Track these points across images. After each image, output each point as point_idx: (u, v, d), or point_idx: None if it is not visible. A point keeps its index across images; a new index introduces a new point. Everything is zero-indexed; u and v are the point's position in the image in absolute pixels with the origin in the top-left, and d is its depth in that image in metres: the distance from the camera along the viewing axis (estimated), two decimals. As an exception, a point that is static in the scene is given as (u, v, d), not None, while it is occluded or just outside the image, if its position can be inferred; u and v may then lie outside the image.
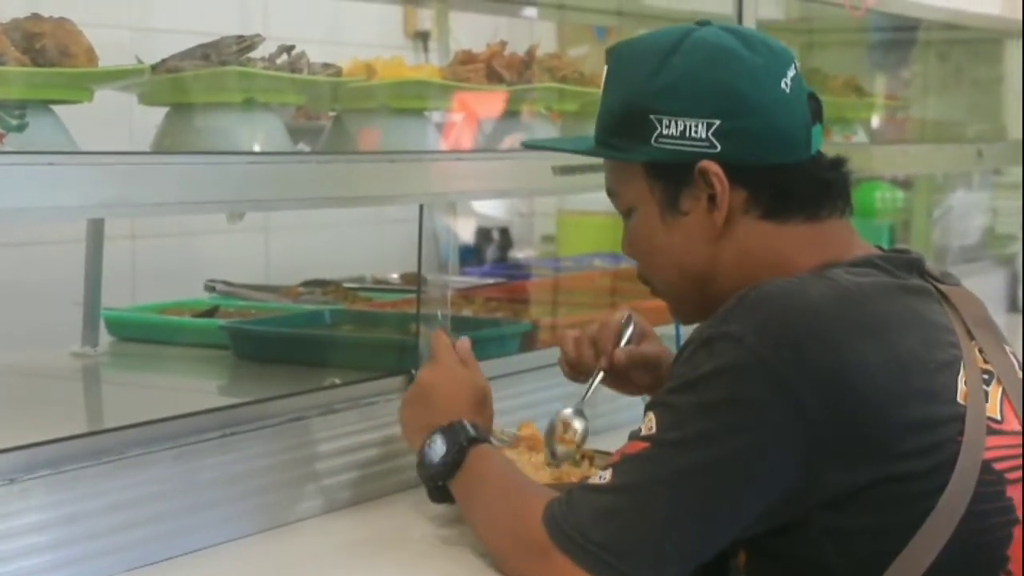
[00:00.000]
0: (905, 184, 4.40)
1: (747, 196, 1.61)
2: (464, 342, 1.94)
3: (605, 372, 1.95)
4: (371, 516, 1.96)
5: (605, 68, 1.70)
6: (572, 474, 1.94)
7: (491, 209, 4.36)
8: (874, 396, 1.46)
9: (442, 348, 1.92)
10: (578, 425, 1.95)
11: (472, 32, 3.24)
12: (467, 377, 1.89)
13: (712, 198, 1.61)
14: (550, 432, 1.96)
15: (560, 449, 1.95)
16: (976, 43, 4.39)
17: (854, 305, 1.52)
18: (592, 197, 3.33)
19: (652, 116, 1.60)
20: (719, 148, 1.59)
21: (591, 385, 1.96)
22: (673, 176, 1.62)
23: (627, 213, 1.71)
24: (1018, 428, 1.55)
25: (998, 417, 1.53)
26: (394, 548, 1.83)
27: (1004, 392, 1.56)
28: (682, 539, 1.49)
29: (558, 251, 4.32)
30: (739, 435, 1.46)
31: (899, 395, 1.48)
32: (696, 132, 1.59)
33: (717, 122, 1.58)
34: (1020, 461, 1.53)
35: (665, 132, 1.60)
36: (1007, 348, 1.63)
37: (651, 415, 1.53)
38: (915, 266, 1.63)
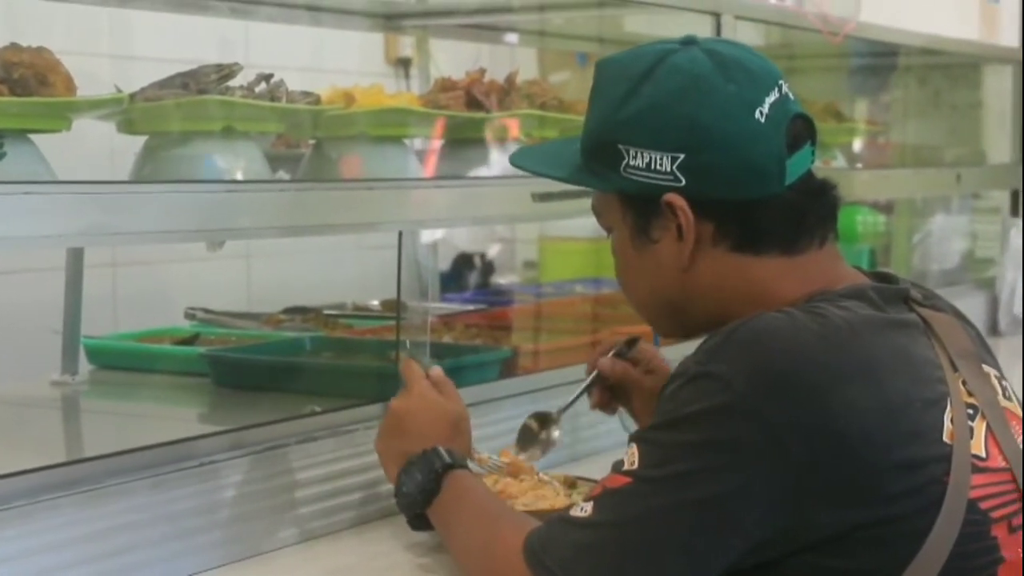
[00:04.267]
0: (886, 208, 4.42)
1: (715, 229, 1.59)
2: (437, 369, 1.96)
3: (592, 383, 2.01)
4: (350, 544, 1.96)
5: (592, 81, 1.67)
6: (556, 501, 1.95)
7: (472, 237, 4.37)
8: (862, 441, 1.44)
9: (412, 376, 1.92)
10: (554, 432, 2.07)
11: (454, 59, 3.25)
12: (439, 402, 1.89)
13: (681, 228, 1.59)
14: (522, 434, 2.08)
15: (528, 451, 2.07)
16: (955, 68, 4.41)
17: (844, 348, 1.48)
18: (574, 223, 3.36)
19: (620, 146, 1.59)
20: (684, 182, 1.56)
21: (576, 395, 2.04)
22: (642, 206, 1.61)
23: (609, 231, 1.71)
24: (1003, 465, 1.53)
25: (983, 454, 1.51)
26: (374, 576, 1.83)
27: (988, 427, 1.54)
28: None
29: (540, 277, 4.32)
30: (722, 478, 1.44)
31: (886, 438, 1.45)
32: (661, 165, 1.56)
33: (682, 156, 1.55)
34: (1005, 499, 1.51)
35: (632, 163, 1.58)
36: (992, 374, 1.62)
37: (634, 449, 1.51)
38: (902, 296, 1.61)
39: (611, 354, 2.04)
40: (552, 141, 2.39)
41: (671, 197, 1.57)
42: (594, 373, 2.02)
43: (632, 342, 2.04)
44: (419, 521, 1.80)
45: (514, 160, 1.77)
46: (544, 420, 2.07)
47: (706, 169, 1.56)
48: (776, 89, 1.59)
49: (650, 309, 1.71)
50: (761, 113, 1.56)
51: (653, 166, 1.57)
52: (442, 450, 1.78)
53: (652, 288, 1.66)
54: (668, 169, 1.56)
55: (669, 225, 1.60)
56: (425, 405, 1.88)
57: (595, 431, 2.09)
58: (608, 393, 2.04)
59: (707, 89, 1.56)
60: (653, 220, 1.61)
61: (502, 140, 2.49)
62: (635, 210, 1.63)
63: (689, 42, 1.63)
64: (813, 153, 1.63)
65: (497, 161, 2.45)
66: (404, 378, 1.94)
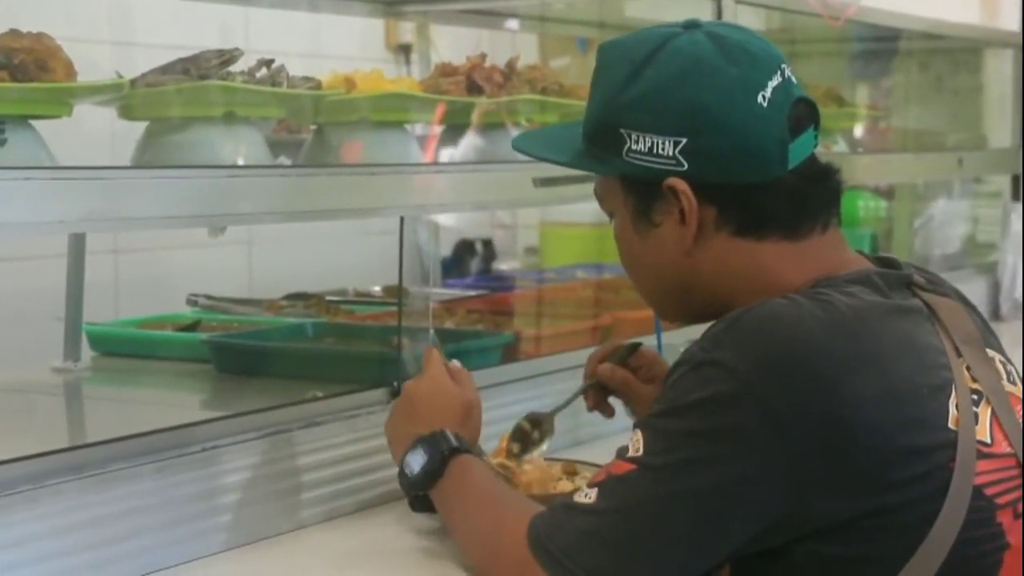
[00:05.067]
0: (887, 193, 4.42)
1: (717, 213, 1.58)
2: (456, 363, 1.96)
3: (589, 386, 2.00)
4: (353, 529, 1.96)
5: (595, 65, 1.67)
6: (560, 485, 1.96)
7: (473, 222, 4.38)
8: (867, 430, 1.44)
9: (432, 362, 1.92)
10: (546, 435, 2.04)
11: (454, 44, 3.25)
12: (453, 389, 1.88)
13: (683, 212, 1.59)
14: (515, 433, 2.03)
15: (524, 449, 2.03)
16: (956, 52, 4.40)
17: (849, 335, 1.48)
18: (575, 208, 3.36)
19: (622, 130, 1.58)
20: (686, 166, 1.56)
21: (571, 398, 2.03)
22: (644, 190, 1.61)
23: (611, 216, 1.71)
24: (1008, 450, 1.53)
25: (988, 440, 1.51)
26: (377, 561, 1.83)
27: (993, 413, 1.54)
28: (666, 565, 1.48)
29: (541, 263, 4.32)
30: (727, 465, 1.44)
31: (891, 426, 1.45)
32: (663, 149, 1.56)
33: (684, 140, 1.55)
34: (1010, 485, 1.51)
35: (634, 147, 1.58)
36: (996, 358, 1.62)
37: (638, 435, 1.51)
38: (906, 282, 1.61)
39: (612, 360, 2.00)
40: (554, 125, 2.40)
41: (673, 181, 1.57)
42: (591, 379, 2.01)
43: (633, 348, 2.01)
44: (419, 502, 1.80)
45: (516, 144, 1.77)
46: (537, 422, 2.06)
47: (708, 153, 1.55)
48: (779, 73, 1.58)
49: (654, 294, 1.71)
50: (763, 97, 1.56)
51: (655, 150, 1.57)
52: (449, 434, 1.77)
53: (655, 273, 1.66)
54: (670, 153, 1.56)
55: (671, 209, 1.59)
56: (438, 390, 1.87)
57: (598, 415, 2.09)
58: (604, 396, 2.02)
59: (709, 72, 1.56)
60: (655, 204, 1.61)
61: (503, 125, 2.49)
62: (637, 194, 1.63)
63: (692, 26, 1.63)
64: (816, 137, 1.62)
65: (498, 146, 2.44)
66: (423, 364, 1.94)
